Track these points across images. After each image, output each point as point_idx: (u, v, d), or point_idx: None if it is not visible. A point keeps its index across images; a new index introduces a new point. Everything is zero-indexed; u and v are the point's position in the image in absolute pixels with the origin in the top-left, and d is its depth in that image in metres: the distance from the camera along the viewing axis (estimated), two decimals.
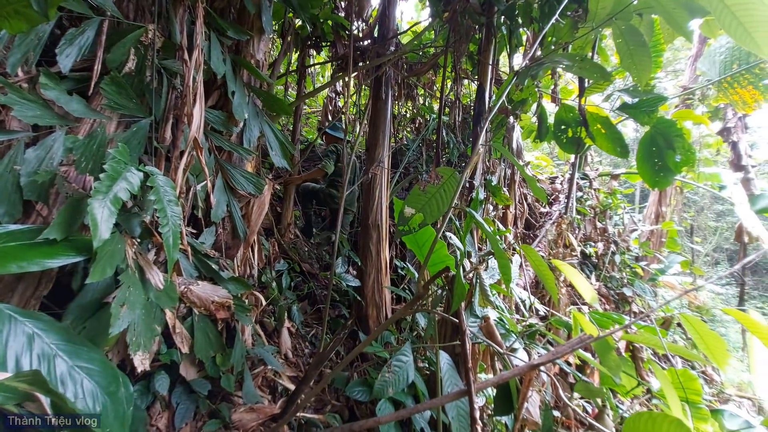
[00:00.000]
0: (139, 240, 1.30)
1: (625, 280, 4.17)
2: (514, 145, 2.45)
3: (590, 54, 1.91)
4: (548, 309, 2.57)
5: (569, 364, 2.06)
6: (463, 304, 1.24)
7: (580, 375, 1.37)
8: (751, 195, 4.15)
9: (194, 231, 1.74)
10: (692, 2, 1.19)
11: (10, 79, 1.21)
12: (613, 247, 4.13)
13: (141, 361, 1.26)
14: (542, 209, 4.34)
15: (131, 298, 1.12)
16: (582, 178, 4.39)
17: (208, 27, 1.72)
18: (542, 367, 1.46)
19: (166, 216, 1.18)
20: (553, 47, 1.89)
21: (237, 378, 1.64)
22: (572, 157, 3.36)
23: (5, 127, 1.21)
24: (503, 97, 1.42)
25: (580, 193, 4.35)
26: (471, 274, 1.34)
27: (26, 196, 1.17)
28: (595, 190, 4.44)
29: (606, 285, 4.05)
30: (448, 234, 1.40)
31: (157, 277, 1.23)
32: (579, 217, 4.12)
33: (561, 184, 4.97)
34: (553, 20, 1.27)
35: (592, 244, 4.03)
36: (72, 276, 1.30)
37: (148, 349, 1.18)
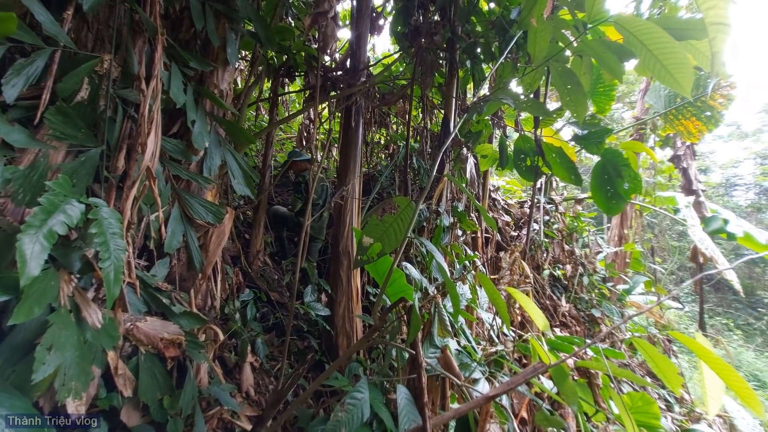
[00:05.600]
0: (78, 276, 1.23)
1: (594, 301, 4.27)
2: (468, 176, 2.56)
3: (542, 89, 2.05)
4: (515, 333, 2.58)
5: (538, 394, 2.04)
6: (420, 335, 1.22)
7: (540, 402, 1.37)
8: (703, 217, 4.42)
9: (146, 263, 1.66)
10: (621, 47, 1.31)
11: None
12: (580, 269, 4.25)
13: (75, 408, 1.16)
14: (512, 233, 4.46)
15: (61, 339, 1.04)
16: (548, 203, 4.56)
17: (170, 58, 1.72)
18: (505, 399, 1.45)
19: (108, 249, 1.12)
20: (503, 85, 2.02)
21: (187, 422, 1.53)
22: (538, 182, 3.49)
23: None
24: (455, 132, 1.48)
25: (547, 217, 4.49)
26: (430, 304, 1.34)
27: None
28: (561, 214, 4.61)
29: (576, 306, 4.13)
30: (405, 264, 1.40)
31: (94, 316, 1.16)
32: (547, 240, 4.24)
33: (530, 208, 5.15)
34: (501, 60, 1.36)
35: (561, 266, 4.13)
36: (4, 315, 1.21)
37: (80, 395, 1.09)
